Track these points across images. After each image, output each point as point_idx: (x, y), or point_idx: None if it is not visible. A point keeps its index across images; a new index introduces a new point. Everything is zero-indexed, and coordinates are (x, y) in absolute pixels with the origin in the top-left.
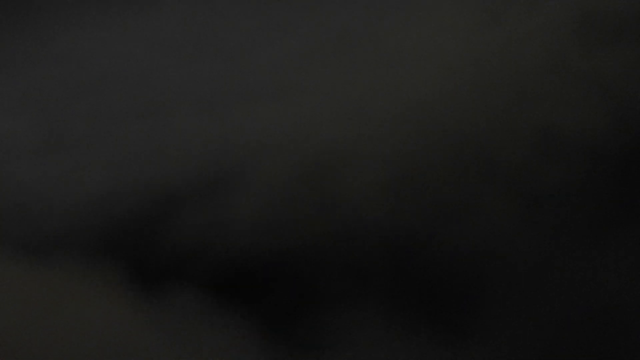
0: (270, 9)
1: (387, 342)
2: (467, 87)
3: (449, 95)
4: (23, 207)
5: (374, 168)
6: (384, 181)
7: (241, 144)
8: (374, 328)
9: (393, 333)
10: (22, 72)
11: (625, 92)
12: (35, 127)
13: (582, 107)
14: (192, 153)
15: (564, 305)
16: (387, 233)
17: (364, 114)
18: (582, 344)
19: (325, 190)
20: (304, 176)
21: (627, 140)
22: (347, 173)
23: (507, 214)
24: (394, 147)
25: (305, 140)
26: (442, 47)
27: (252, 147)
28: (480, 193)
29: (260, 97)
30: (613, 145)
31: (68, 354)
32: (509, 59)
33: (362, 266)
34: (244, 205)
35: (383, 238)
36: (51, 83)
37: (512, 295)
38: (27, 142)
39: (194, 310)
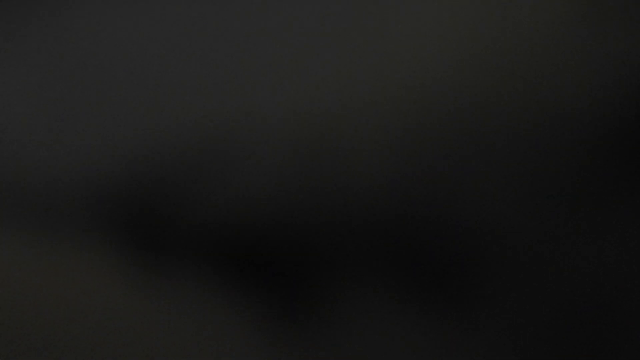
0: None
1: (389, 315)
2: (468, 65)
3: (449, 73)
4: (27, 186)
5: (375, 147)
6: (384, 160)
7: (243, 120)
8: (376, 304)
9: (395, 305)
10: (25, 60)
11: (631, 69)
12: (38, 108)
13: (587, 87)
14: (195, 130)
15: (565, 281)
16: (387, 209)
17: (366, 92)
18: (579, 318)
19: (328, 167)
20: (305, 155)
21: (631, 123)
22: (349, 149)
23: (507, 193)
24: (395, 126)
25: (308, 120)
26: (443, 25)
27: (254, 122)
28: (480, 171)
29: (262, 73)
30: (616, 126)
31: (70, 325)
32: (511, 37)
33: (364, 242)
34: (247, 180)
35: (384, 215)
36: (53, 66)
37: (512, 270)
38: (29, 124)
39: (195, 285)
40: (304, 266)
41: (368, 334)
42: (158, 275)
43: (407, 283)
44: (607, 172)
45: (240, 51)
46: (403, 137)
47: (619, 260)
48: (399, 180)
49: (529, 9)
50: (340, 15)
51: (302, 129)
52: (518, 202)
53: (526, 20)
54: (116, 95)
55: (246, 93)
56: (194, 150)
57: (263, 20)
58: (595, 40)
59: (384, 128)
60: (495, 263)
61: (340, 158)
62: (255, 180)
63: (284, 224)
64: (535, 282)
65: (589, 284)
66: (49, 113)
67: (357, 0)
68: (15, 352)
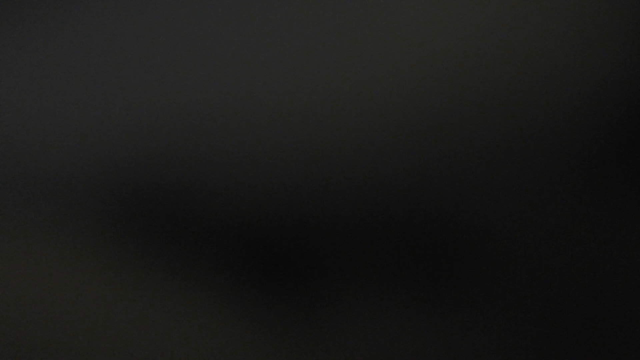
0: None
1: (389, 315)
2: (468, 66)
3: (449, 74)
4: (23, 185)
5: (375, 146)
6: (384, 159)
7: (244, 119)
8: (376, 303)
9: (395, 305)
10: (20, 57)
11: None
12: (33, 106)
13: (587, 87)
14: (196, 130)
15: (565, 281)
16: (387, 209)
17: (366, 91)
18: (578, 319)
19: (327, 167)
20: (305, 154)
21: (631, 123)
22: (349, 149)
23: (508, 193)
24: (395, 126)
25: (308, 119)
26: (443, 25)
27: (255, 121)
28: (480, 171)
29: (263, 72)
30: (616, 126)
31: (68, 324)
32: (511, 37)
33: (364, 242)
34: (247, 179)
35: (384, 215)
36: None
37: (512, 270)
38: (25, 124)
39: (194, 285)
40: (304, 266)
41: (368, 334)
42: (156, 275)
43: (407, 283)
44: (607, 172)
45: (242, 49)
46: (403, 137)
47: (619, 260)
48: (399, 180)
49: (529, 8)
50: (339, 14)
51: (303, 129)
52: (518, 202)
53: (526, 20)
54: (116, 94)
55: (247, 92)
56: (193, 150)
57: (263, 19)
58: (596, 41)
59: (385, 128)
60: (496, 263)
61: (340, 158)
62: (255, 179)
63: (283, 223)
64: (536, 283)
65: (589, 284)
66: (45, 112)
67: (356, 0)
68: (15, 353)
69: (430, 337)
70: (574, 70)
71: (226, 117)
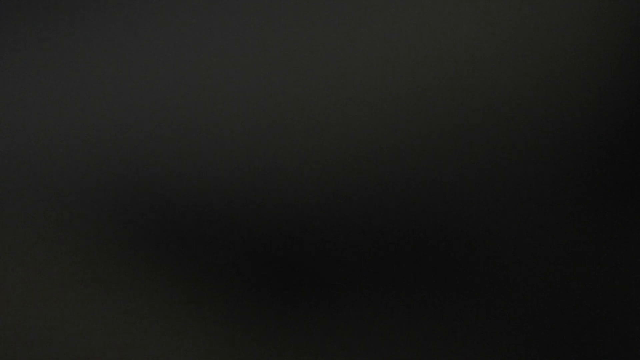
0: None
1: (389, 315)
2: (468, 67)
3: (449, 75)
4: (21, 184)
5: (375, 146)
6: (385, 159)
7: (243, 118)
8: (376, 304)
9: (395, 305)
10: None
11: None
12: (28, 106)
13: (587, 87)
14: (197, 133)
15: (565, 282)
16: (388, 209)
17: (366, 92)
18: (578, 319)
19: (327, 168)
20: (304, 154)
21: (631, 123)
22: (349, 150)
23: (508, 194)
24: (396, 127)
25: (309, 120)
26: (444, 26)
27: (253, 121)
28: (481, 172)
29: (264, 74)
30: (616, 126)
31: (66, 325)
32: (512, 38)
33: (364, 242)
34: (246, 179)
35: (385, 215)
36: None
37: (513, 270)
38: (20, 125)
39: (193, 284)
40: (304, 266)
41: (368, 335)
42: (156, 275)
43: (408, 284)
44: (607, 174)
45: (244, 49)
46: (403, 139)
47: (620, 262)
48: (400, 180)
49: (529, 9)
50: (340, 16)
51: (302, 131)
52: (519, 204)
53: (527, 20)
54: (117, 95)
55: (249, 92)
56: (194, 151)
57: (264, 19)
58: (596, 41)
59: (385, 130)
60: (497, 265)
61: (341, 159)
62: (255, 180)
63: (283, 224)
64: (537, 285)
65: (590, 285)
66: (43, 111)
67: (356, 1)
68: (15, 353)
69: (430, 338)
70: (575, 72)
71: (227, 118)
